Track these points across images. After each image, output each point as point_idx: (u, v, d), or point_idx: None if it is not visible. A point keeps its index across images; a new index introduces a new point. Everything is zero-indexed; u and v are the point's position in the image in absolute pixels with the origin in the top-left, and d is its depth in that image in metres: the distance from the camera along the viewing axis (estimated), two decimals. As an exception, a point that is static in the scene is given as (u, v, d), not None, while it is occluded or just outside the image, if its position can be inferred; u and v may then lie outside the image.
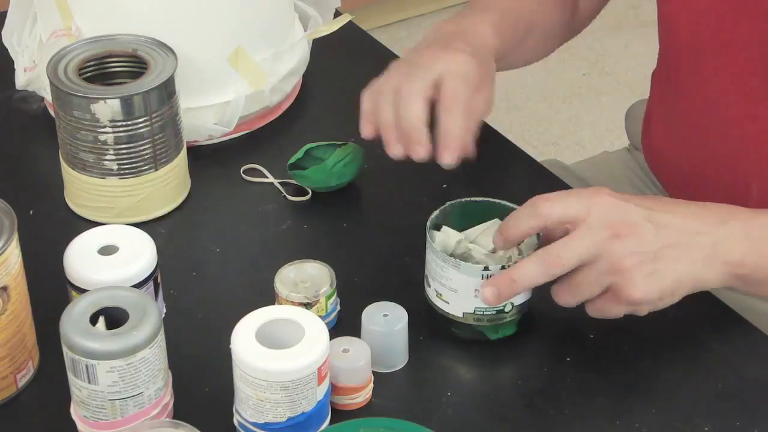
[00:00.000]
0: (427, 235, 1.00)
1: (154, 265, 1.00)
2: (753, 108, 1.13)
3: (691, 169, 1.22)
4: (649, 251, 0.94)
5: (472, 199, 1.04)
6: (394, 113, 1.03)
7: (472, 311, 1.00)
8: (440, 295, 1.01)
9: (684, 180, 1.23)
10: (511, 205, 1.02)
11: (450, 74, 1.04)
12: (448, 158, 1.01)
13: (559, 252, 0.94)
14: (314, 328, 0.91)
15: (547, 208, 0.95)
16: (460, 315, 1.00)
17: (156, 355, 0.90)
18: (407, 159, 1.04)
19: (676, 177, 1.26)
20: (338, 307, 1.03)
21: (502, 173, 1.23)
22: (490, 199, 1.04)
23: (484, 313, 1.00)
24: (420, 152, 1.01)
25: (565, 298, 0.96)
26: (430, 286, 1.02)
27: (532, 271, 0.94)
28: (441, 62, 1.05)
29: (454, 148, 1.01)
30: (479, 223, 1.04)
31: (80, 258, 0.99)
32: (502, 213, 1.03)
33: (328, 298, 1.01)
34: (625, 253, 0.93)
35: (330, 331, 0.94)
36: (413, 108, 1.01)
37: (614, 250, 0.93)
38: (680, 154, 1.23)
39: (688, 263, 0.95)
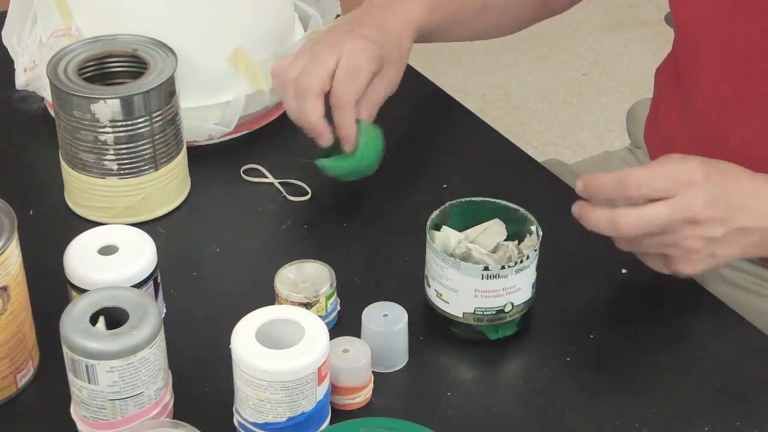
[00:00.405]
0: (427, 235, 1.00)
1: (154, 265, 1.00)
2: (749, 105, 1.13)
3: None
4: (714, 237, 0.98)
5: (472, 199, 1.04)
6: (297, 107, 1.13)
7: (472, 311, 1.00)
8: (440, 295, 1.01)
9: None
10: (512, 205, 1.03)
11: (341, 70, 1.11)
12: (349, 147, 1.13)
13: (633, 222, 0.97)
14: (314, 328, 0.91)
15: (634, 190, 0.97)
16: (460, 315, 1.00)
17: (156, 355, 0.89)
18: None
19: None
20: (338, 307, 1.03)
21: (502, 173, 1.23)
22: (490, 199, 1.04)
23: (484, 313, 1.00)
24: (325, 141, 1.13)
25: (624, 246, 1.02)
26: (430, 286, 1.02)
27: (600, 223, 0.98)
28: (337, 52, 1.12)
29: (350, 139, 1.13)
30: (479, 223, 1.04)
31: (80, 258, 0.99)
32: (502, 213, 1.03)
33: (328, 298, 1.01)
34: (694, 236, 0.97)
35: (330, 331, 0.94)
36: (310, 107, 1.12)
37: (686, 233, 0.97)
38: (685, 149, 1.23)
39: (738, 248, 1.00)
